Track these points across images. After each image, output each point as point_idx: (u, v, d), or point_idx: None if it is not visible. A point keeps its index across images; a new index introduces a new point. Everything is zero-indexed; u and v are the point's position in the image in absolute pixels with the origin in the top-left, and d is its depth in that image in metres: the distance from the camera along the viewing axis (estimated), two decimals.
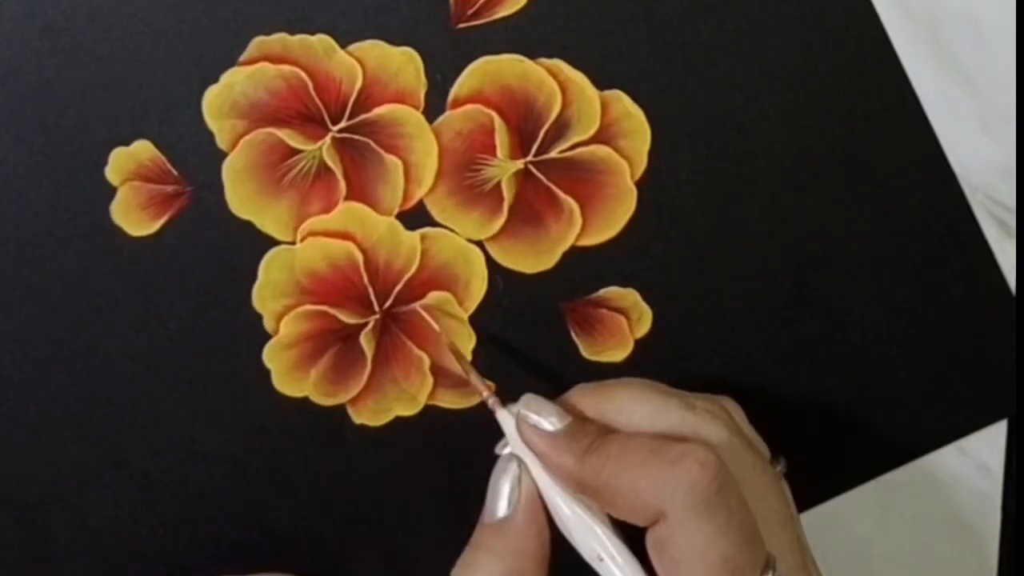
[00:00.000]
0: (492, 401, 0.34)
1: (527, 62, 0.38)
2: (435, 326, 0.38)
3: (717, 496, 0.29)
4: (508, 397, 0.34)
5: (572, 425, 0.32)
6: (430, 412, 0.39)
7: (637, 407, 0.32)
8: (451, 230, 0.38)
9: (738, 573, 0.29)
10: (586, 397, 0.33)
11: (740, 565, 0.29)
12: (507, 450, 0.33)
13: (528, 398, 0.33)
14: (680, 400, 0.32)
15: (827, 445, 0.40)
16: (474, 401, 0.39)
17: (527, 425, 0.32)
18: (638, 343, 0.39)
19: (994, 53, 0.40)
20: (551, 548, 0.32)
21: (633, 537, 0.31)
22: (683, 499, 0.29)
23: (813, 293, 0.40)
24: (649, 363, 0.39)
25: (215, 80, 0.37)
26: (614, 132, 0.38)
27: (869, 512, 0.41)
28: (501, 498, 0.32)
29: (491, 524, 0.32)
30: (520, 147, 0.38)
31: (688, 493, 0.29)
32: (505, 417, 0.33)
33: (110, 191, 0.37)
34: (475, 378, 0.35)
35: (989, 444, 0.41)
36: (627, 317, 0.39)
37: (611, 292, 0.39)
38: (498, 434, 0.34)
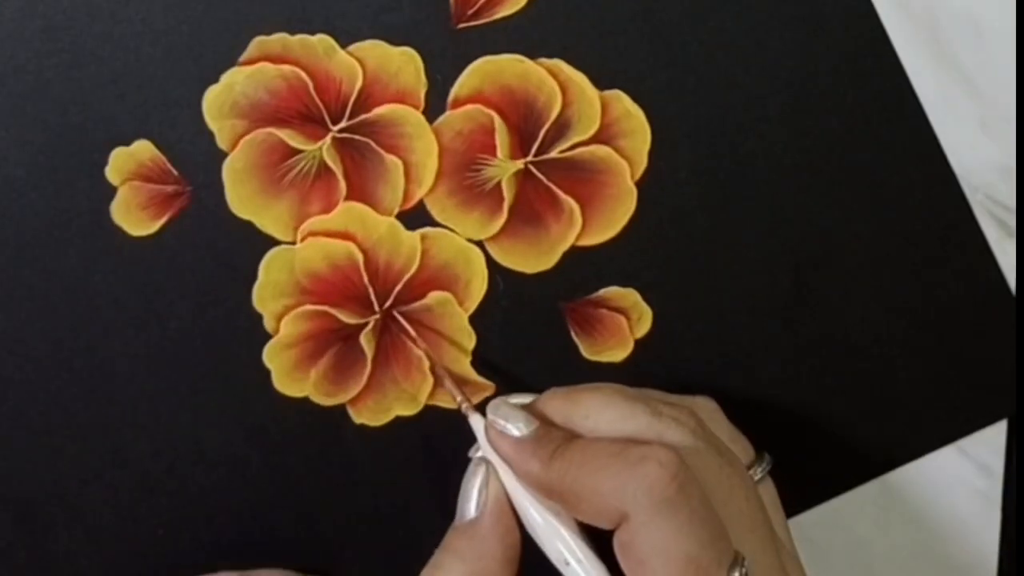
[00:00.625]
0: (465, 406, 0.34)
1: (527, 62, 0.38)
2: (411, 332, 0.38)
3: (678, 495, 0.29)
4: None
5: (538, 431, 0.32)
6: (430, 412, 0.39)
7: (603, 412, 0.32)
8: (451, 230, 0.38)
9: (702, 571, 0.28)
10: (554, 403, 0.33)
11: (704, 564, 0.29)
12: (479, 454, 0.34)
13: (496, 404, 0.33)
14: (646, 405, 0.32)
15: (827, 445, 0.40)
16: (474, 401, 0.39)
17: (495, 431, 0.32)
18: (638, 343, 0.39)
19: (994, 53, 0.40)
20: (521, 551, 0.32)
21: (604, 542, 0.31)
22: (644, 499, 0.29)
23: (813, 293, 0.40)
24: (649, 363, 0.39)
25: (215, 80, 0.37)
26: (614, 132, 0.38)
27: (869, 512, 0.41)
28: (469, 501, 0.33)
29: (459, 527, 0.33)
30: (520, 147, 0.38)
31: (648, 493, 0.29)
32: (476, 422, 0.34)
33: (110, 191, 0.37)
34: (449, 384, 0.36)
35: (989, 444, 0.41)
36: (627, 317, 0.39)
37: (611, 292, 0.39)
38: None
